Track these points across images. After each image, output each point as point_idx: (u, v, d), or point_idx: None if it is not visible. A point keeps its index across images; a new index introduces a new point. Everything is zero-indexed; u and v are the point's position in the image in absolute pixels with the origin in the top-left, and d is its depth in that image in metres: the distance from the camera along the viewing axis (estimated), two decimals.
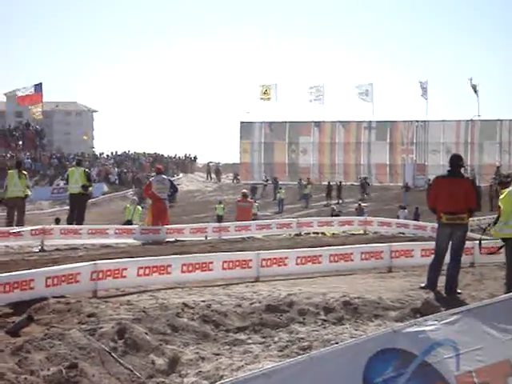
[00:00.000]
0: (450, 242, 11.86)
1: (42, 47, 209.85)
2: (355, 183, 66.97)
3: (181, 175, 78.24)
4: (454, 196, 11.61)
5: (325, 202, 59.74)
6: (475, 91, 74.93)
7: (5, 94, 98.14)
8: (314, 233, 24.78)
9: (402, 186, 62.90)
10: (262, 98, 79.82)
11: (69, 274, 10.89)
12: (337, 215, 41.88)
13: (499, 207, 12.04)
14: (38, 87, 65.30)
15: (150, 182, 23.11)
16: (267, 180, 69.54)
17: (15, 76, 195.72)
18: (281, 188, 60.08)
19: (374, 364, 4.59)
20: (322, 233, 24.93)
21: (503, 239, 12.10)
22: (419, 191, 54.88)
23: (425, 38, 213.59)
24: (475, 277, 13.53)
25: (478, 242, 13.48)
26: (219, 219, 41.45)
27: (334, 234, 24.81)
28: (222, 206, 44.47)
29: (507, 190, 12.06)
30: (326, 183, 64.36)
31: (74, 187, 22.20)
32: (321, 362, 4.53)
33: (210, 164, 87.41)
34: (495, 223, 12.71)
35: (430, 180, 46.32)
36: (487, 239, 14.09)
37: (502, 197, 12.11)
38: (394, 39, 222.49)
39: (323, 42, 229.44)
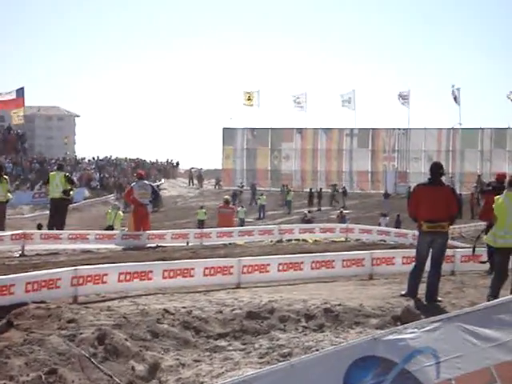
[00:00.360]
0: (431, 250, 11.88)
1: (24, 52, 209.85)
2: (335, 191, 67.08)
3: (163, 181, 78.03)
4: (434, 204, 11.63)
5: (307, 209, 59.90)
6: (456, 101, 75.37)
7: None
8: (295, 239, 24.80)
9: (383, 194, 63.18)
10: (245, 105, 79.84)
11: (49, 280, 10.85)
12: (308, 221, 42.04)
13: (494, 216, 12.04)
14: (20, 91, 65.00)
15: (131, 187, 23.00)
16: (242, 186, 69.40)
17: None
18: (262, 194, 60.10)
19: (354, 371, 4.60)
20: (304, 240, 24.96)
21: (501, 249, 12.02)
22: (400, 198, 55.09)
23: (407, 47, 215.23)
24: (456, 285, 13.57)
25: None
26: (201, 224, 41.41)
27: (316, 240, 24.84)
28: (203, 210, 44.36)
29: (501, 198, 12.03)
30: (307, 190, 64.58)
31: (55, 192, 22.07)
32: (301, 369, 4.53)
33: (192, 170, 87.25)
34: (487, 231, 12.80)
35: (410, 188, 46.53)
36: (481, 248, 14.12)
37: (496, 205, 12.08)
38: (377, 47, 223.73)
39: (306, 50, 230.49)
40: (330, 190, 64.51)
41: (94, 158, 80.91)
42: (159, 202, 59.90)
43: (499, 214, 11.86)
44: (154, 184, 27.30)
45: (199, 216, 43.67)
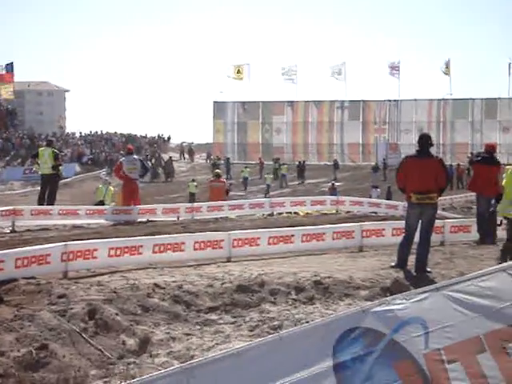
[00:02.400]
0: (420, 222, 11.90)
1: (12, 26, 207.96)
2: (328, 163, 67.04)
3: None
4: (423, 175, 11.62)
5: (297, 182, 60.24)
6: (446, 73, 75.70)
7: None
8: (287, 213, 24.86)
9: (381, 163, 63.45)
10: (234, 78, 79.62)
11: (39, 255, 10.84)
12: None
13: (503, 187, 12.30)
14: (9, 67, 64.87)
15: (120, 162, 22.94)
16: (219, 159, 69.29)
17: None
18: (246, 167, 61.06)
19: (344, 342, 4.62)
20: (295, 212, 25.03)
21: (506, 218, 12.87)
22: (391, 170, 55.19)
23: (398, 17, 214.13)
24: (445, 255, 13.60)
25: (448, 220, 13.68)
26: (192, 197, 41.78)
27: (307, 213, 24.91)
28: (194, 183, 44.60)
29: (510, 170, 12.21)
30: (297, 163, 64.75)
31: (45, 167, 22.03)
32: (291, 341, 4.55)
33: (184, 144, 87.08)
34: (498, 201, 13.10)
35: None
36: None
37: (504, 176, 12.30)
38: (366, 18, 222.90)
39: (296, 21, 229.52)
40: (329, 163, 64.59)
41: (84, 134, 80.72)
42: (171, 173, 60.46)
43: (507, 186, 12.14)
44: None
45: (190, 189, 44.06)
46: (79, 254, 11.36)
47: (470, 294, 5.27)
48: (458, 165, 53.55)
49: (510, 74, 75.71)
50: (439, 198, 12.44)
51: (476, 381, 4.81)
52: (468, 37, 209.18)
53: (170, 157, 68.97)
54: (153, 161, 66.89)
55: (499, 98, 73.69)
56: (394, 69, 77.71)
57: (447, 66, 76.73)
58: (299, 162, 64.52)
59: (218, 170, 31.30)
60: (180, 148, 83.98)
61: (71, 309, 8.59)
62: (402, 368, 4.66)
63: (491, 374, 4.87)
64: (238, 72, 79.23)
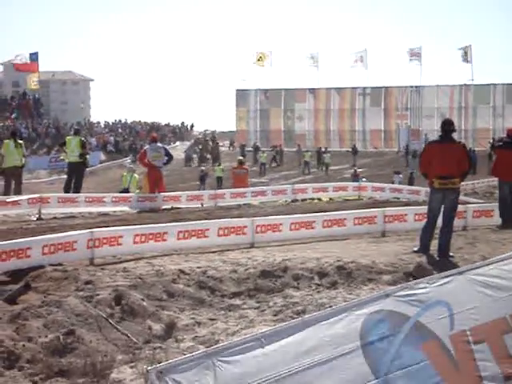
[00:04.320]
0: (443, 206, 11.91)
1: (37, 16, 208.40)
2: (349, 149, 66.84)
3: (177, 143, 78.02)
4: (445, 160, 11.63)
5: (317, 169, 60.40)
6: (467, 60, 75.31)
7: (1, 64, 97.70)
8: (309, 199, 24.86)
9: (402, 150, 63.33)
10: (257, 65, 79.50)
11: (66, 242, 10.96)
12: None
13: None
14: (34, 56, 65.14)
15: (144, 150, 23.02)
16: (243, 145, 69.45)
17: (10, 46, 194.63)
18: (263, 152, 61.42)
19: (370, 324, 4.68)
20: (318, 198, 25.02)
21: None
22: (413, 157, 54.97)
23: (419, 3, 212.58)
24: (468, 240, 13.58)
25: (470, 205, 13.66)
26: (218, 181, 42.90)
27: (330, 199, 24.91)
28: (220, 167, 45.42)
29: None
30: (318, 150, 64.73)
31: (72, 156, 22.22)
32: (315, 324, 4.61)
33: (207, 132, 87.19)
34: None
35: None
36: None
37: None
38: (388, 5, 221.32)
39: (318, 9, 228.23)
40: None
41: (108, 123, 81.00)
42: (217, 157, 61.23)
43: None
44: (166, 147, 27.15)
45: (217, 173, 44.98)
46: (105, 240, 11.46)
47: (493, 276, 5.30)
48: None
49: None
50: (461, 183, 12.45)
51: (502, 360, 4.86)
52: (490, 22, 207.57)
53: (217, 142, 70.16)
54: (200, 146, 69.20)
55: None
56: (415, 55, 77.26)
57: (466, 53, 76.20)
58: (319, 148, 64.49)
59: (240, 157, 31.36)
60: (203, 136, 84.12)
61: (97, 295, 8.69)
62: (429, 348, 4.72)
63: None
64: (261, 59, 79.13)
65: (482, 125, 72.55)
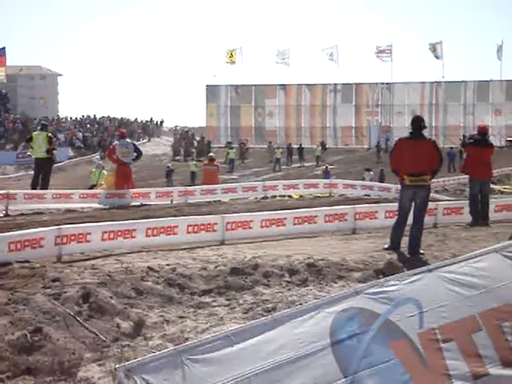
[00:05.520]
0: (413, 204, 11.93)
1: (5, 10, 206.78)
2: (318, 145, 67.06)
3: (146, 139, 77.94)
4: (416, 157, 11.63)
5: (298, 165, 60.70)
6: (437, 57, 76.02)
7: None
8: (280, 196, 24.90)
9: (374, 146, 63.84)
10: (227, 62, 79.58)
11: (33, 239, 10.85)
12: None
13: None
14: (1, 51, 64.52)
15: (113, 146, 22.91)
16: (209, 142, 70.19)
17: None
18: (232, 148, 61.65)
19: (340, 322, 4.65)
20: (289, 196, 25.07)
21: None
22: (384, 153, 55.28)
23: (392, 0, 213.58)
24: (438, 237, 13.65)
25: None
26: (192, 176, 43.89)
27: (300, 196, 24.96)
28: (194, 163, 45.83)
29: None
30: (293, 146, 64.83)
31: (39, 151, 22.04)
32: (285, 322, 4.57)
33: (177, 128, 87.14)
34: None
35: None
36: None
37: None
38: (360, 1, 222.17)
39: (288, 4, 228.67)
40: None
41: (77, 118, 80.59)
42: (203, 152, 61.73)
43: None
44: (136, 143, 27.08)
45: (191, 168, 45.78)
46: (73, 237, 11.37)
47: (463, 274, 5.29)
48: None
49: (501, 56, 75.96)
50: (432, 181, 12.48)
51: (471, 359, 4.84)
52: (460, 20, 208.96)
53: (203, 137, 71.35)
54: (186, 140, 70.61)
55: (491, 81, 73.97)
56: (385, 52, 77.68)
57: (435, 48, 76.83)
58: (300, 145, 64.49)
59: (211, 154, 31.36)
60: (174, 131, 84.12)
61: (65, 292, 8.59)
62: (398, 347, 4.69)
63: (486, 353, 4.90)
64: (231, 56, 79.19)
65: (453, 122, 73.19)
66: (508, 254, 5.57)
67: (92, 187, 25.31)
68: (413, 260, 11.16)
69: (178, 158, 66.05)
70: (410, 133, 12.09)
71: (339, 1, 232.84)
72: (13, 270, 9.95)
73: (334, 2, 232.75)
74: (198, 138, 71.88)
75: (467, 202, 16.49)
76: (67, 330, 7.49)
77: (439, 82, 75.36)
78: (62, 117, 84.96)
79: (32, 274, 9.72)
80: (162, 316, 8.34)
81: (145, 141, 75.63)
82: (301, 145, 64.52)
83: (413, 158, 11.68)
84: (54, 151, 22.67)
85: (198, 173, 41.44)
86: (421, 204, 11.95)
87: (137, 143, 30.39)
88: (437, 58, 76.88)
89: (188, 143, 68.92)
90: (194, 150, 66.10)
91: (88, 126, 76.45)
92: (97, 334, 7.49)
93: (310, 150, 64.71)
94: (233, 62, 79.49)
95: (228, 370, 4.23)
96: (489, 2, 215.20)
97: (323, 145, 65.56)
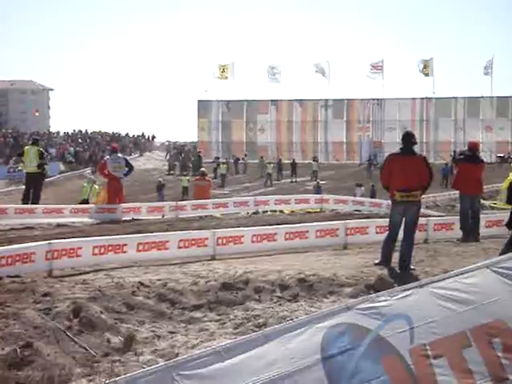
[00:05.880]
0: (404, 219, 11.94)
1: None
2: (311, 161, 67.19)
3: (138, 154, 77.92)
4: (407, 173, 11.64)
5: (290, 180, 60.74)
6: (425, 74, 76.44)
7: None
8: (271, 211, 24.91)
9: (365, 161, 64.00)
10: (219, 77, 79.68)
11: (23, 254, 10.84)
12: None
13: None
14: None
15: (104, 160, 22.91)
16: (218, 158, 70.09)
17: None
18: (223, 163, 61.78)
19: (331, 337, 4.64)
20: (280, 211, 25.08)
21: None
22: (376, 168, 55.31)
23: (381, 17, 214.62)
24: (429, 253, 13.65)
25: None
26: (184, 191, 43.58)
27: (292, 211, 24.97)
28: (187, 178, 45.93)
29: None
30: (285, 161, 64.80)
31: (30, 166, 22.03)
32: (276, 337, 4.57)
33: (167, 143, 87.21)
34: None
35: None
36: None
37: None
38: (351, 18, 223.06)
39: (280, 20, 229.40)
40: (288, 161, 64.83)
41: (68, 133, 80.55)
42: (197, 166, 62.06)
43: None
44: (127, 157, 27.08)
45: (183, 183, 45.69)
46: (64, 252, 11.36)
47: (454, 290, 5.29)
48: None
49: (491, 72, 76.27)
50: (423, 196, 12.50)
51: (461, 375, 4.84)
52: (451, 36, 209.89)
53: (200, 151, 70.70)
54: (182, 155, 70.46)
55: (482, 97, 74.21)
56: (376, 68, 77.88)
57: (425, 66, 77.18)
58: (293, 160, 64.49)
59: (202, 169, 31.32)
60: (167, 147, 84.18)
61: (56, 307, 8.57)
62: (389, 363, 4.68)
63: (477, 369, 4.89)
64: (223, 71, 79.32)
65: (444, 138, 73.38)
66: (499, 269, 5.58)
67: (83, 202, 25.26)
68: (404, 275, 11.16)
69: (172, 172, 66.08)
70: (401, 148, 12.11)
71: (330, 18, 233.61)
72: (3, 285, 9.93)
73: (325, 19, 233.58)
74: (192, 154, 71.72)
75: (458, 217, 16.52)
76: (57, 345, 7.47)
77: (430, 98, 75.57)
78: (53, 131, 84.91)
79: (23, 289, 9.70)
80: (152, 331, 8.32)
81: (136, 155, 75.62)
82: (294, 160, 64.40)
83: (403, 173, 11.70)
84: (46, 166, 22.65)
85: (190, 188, 41.57)
86: (411, 220, 11.96)
87: (128, 158, 30.29)
88: (426, 75, 77.19)
89: (186, 158, 68.98)
90: (190, 165, 66.16)
91: (79, 140, 76.35)
92: (87, 349, 7.46)
93: (302, 166, 64.68)
94: (225, 78, 79.57)
95: None
96: (479, 19, 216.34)
97: (315, 160, 65.61)
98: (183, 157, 69.47)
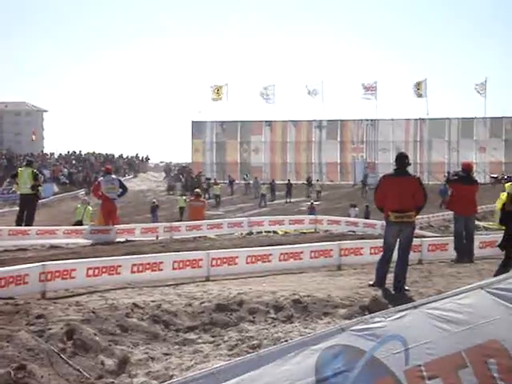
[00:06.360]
0: (398, 240, 11.94)
1: None
2: (306, 182, 67.29)
3: (132, 175, 77.99)
4: (401, 194, 11.66)
5: (284, 200, 60.83)
6: (419, 95, 76.76)
7: None
8: (265, 231, 24.91)
9: (360, 182, 64.25)
10: (213, 99, 79.88)
11: (17, 275, 10.79)
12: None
13: None
14: None
15: (98, 182, 22.90)
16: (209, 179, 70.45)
17: None
18: (217, 184, 62.51)
19: (325, 359, 4.61)
20: (274, 231, 25.08)
21: None
22: (369, 189, 55.40)
23: (375, 37, 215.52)
24: (423, 274, 13.66)
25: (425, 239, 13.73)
26: (181, 212, 44.39)
27: (285, 232, 24.97)
28: (184, 198, 46.30)
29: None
30: (279, 182, 64.93)
31: (24, 188, 22.01)
32: (271, 359, 4.55)
33: (161, 164, 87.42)
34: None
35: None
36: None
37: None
38: (344, 38, 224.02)
39: (273, 42, 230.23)
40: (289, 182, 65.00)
41: (62, 154, 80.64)
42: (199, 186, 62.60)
43: None
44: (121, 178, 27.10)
45: (180, 204, 46.22)
46: (57, 274, 11.31)
47: (448, 310, 5.27)
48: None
49: (484, 93, 76.55)
50: (417, 217, 12.51)
51: None
52: (445, 57, 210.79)
53: (200, 172, 71.92)
54: (184, 175, 71.80)
55: (475, 118, 74.49)
56: (370, 89, 78.14)
57: (418, 87, 77.49)
58: (288, 181, 64.59)
59: (197, 190, 31.34)
60: (165, 167, 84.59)
61: (49, 329, 8.53)
62: None
63: None
64: (217, 92, 79.51)
65: (437, 158, 73.64)
66: (493, 290, 5.57)
67: (77, 223, 25.22)
68: (398, 296, 11.14)
69: (172, 192, 66.27)
70: (395, 169, 12.14)
71: (324, 39, 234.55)
72: None
73: (318, 40, 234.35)
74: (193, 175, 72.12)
75: (452, 238, 16.53)
76: (51, 367, 7.42)
77: (423, 118, 75.84)
78: (47, 153, 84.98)
79: (16, 311, 9.64)
80: (146, 353, 8.29)
81: (130, 176, 75.73)
82: (289, 180, 64.51)
83: (397, 194, 11.71)
84: (39, 188, 22.62)
85: (187, 208, 41.70)
86: (406, 240, 11.96)
87: (122, 179, 30.30)
88: (419, 96, 77.48)
89: (188, 178, 69.29)
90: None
91: (73, 161, 76.45)
92: (81, 372, 7.42)
93: (296, 186, 64.78)
94: (219, 99, 79.75)
95: None
96: (473, 40, 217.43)
97: (309, 180, 65.78)
98: (186, 178, 69.69)
